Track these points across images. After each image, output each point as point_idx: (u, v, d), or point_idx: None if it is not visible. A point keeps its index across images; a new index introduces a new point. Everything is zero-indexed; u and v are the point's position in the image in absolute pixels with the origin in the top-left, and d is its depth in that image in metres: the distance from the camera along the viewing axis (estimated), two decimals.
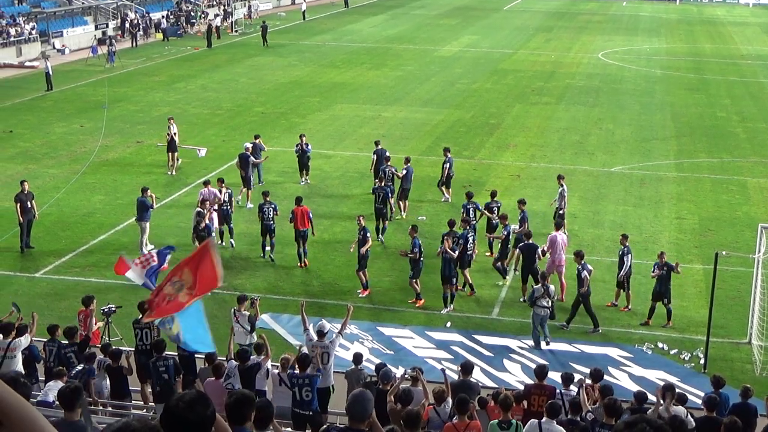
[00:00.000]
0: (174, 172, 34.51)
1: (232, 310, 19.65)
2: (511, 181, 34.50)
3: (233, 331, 19.03)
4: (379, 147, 32.92)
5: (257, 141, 33.61)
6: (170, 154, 34.69)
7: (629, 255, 23.49)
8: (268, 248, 26.99)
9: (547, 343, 21.90)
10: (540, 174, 35.60)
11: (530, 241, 24.15)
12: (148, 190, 27.53)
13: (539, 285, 22.06)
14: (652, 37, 77.71)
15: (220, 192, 27.88)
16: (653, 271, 22.79)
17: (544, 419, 13.73)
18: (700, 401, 16.81)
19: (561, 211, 27.74)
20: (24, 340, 16.83)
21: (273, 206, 26.83)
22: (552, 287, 22.13)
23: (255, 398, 6.99)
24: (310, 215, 26.52)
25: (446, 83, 54.70)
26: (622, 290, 23.81)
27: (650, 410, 14.45)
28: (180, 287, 15.04)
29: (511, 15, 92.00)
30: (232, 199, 28.83)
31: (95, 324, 19.42)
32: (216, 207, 27.37)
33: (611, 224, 30.17)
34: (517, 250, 24.63)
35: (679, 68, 61.84)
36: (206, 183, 28.45)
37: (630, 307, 23.67)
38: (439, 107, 47.91)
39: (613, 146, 40.47)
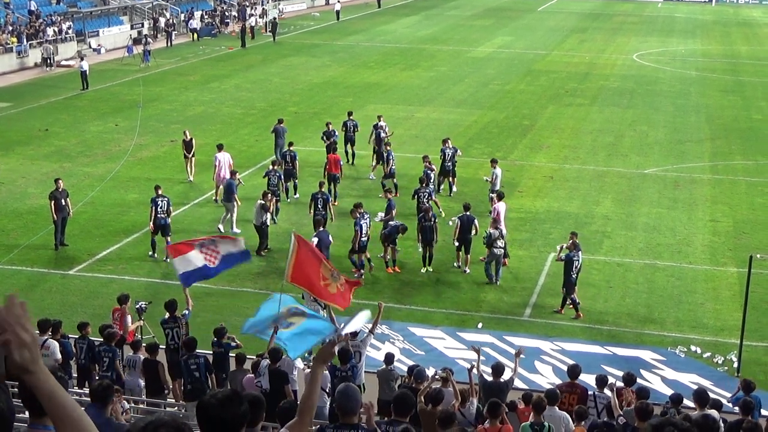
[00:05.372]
0: (192, 178, 33.82)
1: (300, 295, 19.57)
2: (543, 183, 34.36)
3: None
4: (381, 122, 35.51)
5: (281, 125, 35.71)
6: (186, 160, 33.93)
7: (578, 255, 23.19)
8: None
9: (497, 283, 24.53)
10: (573, 176, 35.43)
11: (469, 213, 25.45)
12: (237, 173, 29.40)
13: (494, 229, 24.40)
14: (688, 38, 77.09)
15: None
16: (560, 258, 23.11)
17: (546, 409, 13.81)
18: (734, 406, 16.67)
19: (497, 189, 28.59)
20: (56, 347, 16.97)
21: (279, 175, 29.72)
22: (504, 230, 24.93)
23: (264, 401, 7.08)
24: (341, 162, 32.16)
25: (480, 84, 54.57)
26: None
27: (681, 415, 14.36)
28: (334, 278, 15.27)
29: (545, 16, 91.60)
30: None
31: (131, 323, 19.59)
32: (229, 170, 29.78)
33: (644, 226, 29.97)
34: (457, 219, 25.72)
35: (714, 70, 61.29)
36: (219, 147, 31.13)
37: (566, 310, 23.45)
38: (473, 108, 47.81)
39: (647, 148, 40.19)
